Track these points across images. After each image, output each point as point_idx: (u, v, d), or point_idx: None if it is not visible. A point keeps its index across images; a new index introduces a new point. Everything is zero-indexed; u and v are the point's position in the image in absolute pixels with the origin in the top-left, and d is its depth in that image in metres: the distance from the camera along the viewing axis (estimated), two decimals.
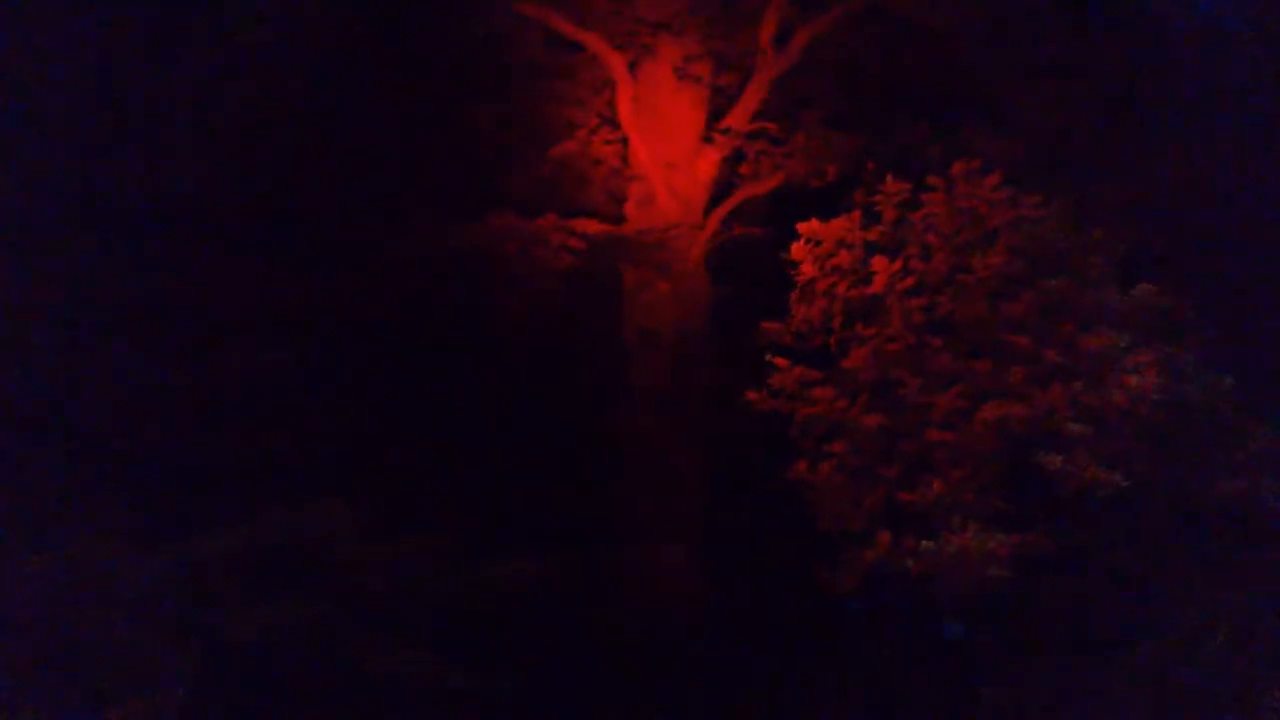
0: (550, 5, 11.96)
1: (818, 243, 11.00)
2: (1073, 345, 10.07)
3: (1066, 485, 9.54)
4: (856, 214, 10.99)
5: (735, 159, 12.56)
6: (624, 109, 12.16)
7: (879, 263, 10.69)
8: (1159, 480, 9.57)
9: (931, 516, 9.94)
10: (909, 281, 10.60)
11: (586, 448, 12.92)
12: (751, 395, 10.98)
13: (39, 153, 11.65)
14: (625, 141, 12.42)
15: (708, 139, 12.48)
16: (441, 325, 12.63)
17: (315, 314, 12.06)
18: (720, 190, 12.61)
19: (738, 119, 12.37)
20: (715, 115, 12.50)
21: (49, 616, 9.52)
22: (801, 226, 11.06)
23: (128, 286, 11.76)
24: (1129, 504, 9.53)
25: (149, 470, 11.02)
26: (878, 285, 10.68)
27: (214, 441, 11.32)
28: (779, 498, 11.07)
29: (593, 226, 12.35)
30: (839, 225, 10.98)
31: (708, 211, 12.57)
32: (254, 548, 10.30)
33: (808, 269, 11.01)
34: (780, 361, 10.92)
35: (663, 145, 12.37)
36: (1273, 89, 12.54)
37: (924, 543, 9.72)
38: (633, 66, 12.24)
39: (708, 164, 12.56)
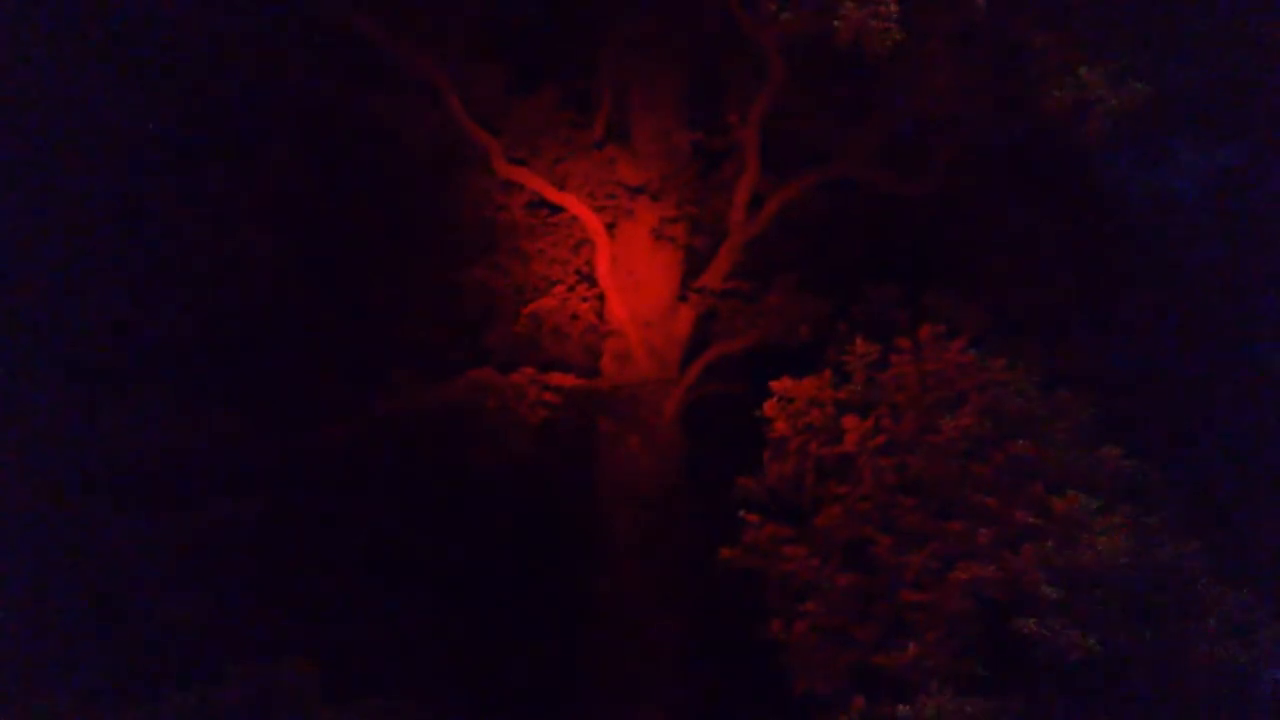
0: (533, 170, 12.34)
1: (790, 400, 11.14)
2: (1042, 507, 10.17)
3: (1041, 649, 9.52)
4: (827, 373, 11.17)
5: (709, 317, 12.82)
6: (602, 267, 12.43)
7: (850, 421, 10.83)
8: (1133, 645, 9.57)
9: (907, 679, 9.86)
10: (879, 440, 10.72)
11: (558, 602, 12.82)
12: (725, 552, 10.97)
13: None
14: (602, 298, 12.66)
15: (683, 297, 12.76)
16: (418, 480, 12.65)
17: (291, 470, 12.06)
18: (695, 347, 12.81)
19: (712, 279, 12.67)
20: (690, 274, 12.79)
21: None
22: (774, 384, 11.18)
23: (103, 437, 11.79)
24: (1104, 669, 9.51)
25: (115, 626, 10.85)
26: (849, 444, 10.80)
27: (181, 598, 11.18)
28: (754, 656, 10.96)
29: (568, 380, 12.49)
30: (811, 384, 11.12)
31: (683, 367, 12.76)
32: (217, 707, 10.11)
33: (781, 426, 11.10)
34: (753, 518, 10.94)
35: (639, 302, 12.63)
36: (1230, 258, 13.01)
37: (900, 707, 9.61)
38: (611, 227, 12.57)
39: (683, 321, 12.81)
